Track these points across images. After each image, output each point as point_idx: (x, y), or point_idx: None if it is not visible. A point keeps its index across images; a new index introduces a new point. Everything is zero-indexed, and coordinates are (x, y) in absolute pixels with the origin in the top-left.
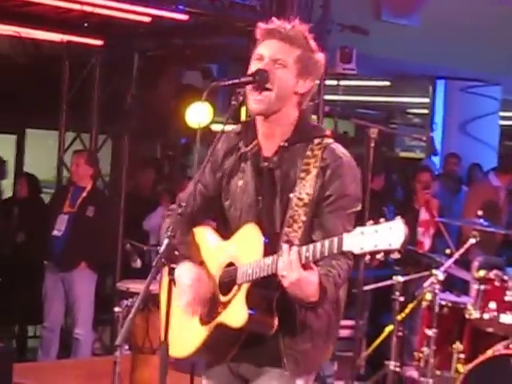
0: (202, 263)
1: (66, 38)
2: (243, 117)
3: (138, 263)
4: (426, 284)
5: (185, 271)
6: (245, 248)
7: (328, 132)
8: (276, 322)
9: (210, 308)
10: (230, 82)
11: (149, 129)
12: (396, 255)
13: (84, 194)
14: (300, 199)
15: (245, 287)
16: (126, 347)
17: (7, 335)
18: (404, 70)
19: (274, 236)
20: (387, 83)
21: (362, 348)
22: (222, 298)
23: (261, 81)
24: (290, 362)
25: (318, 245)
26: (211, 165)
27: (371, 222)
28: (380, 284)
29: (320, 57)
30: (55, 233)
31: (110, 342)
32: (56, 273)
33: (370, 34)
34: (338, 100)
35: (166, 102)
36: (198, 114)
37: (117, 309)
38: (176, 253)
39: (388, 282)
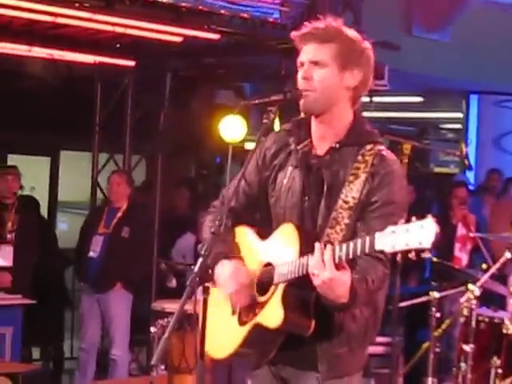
0: (237, 258)
1: (98, 59)
2: None
3: (174, 283)
4: (462, 299)
5: (222, 267)
6: (282, 248)
7: (381, 139)
8: (313, 323)
9: (249, 308)
10: (261, 101)
11: (182, 148)
12: (426, 254)
13: (119, 215)
14: (345, 202)
15: (281, 288)
16: (163, 367)
17: (44, 356)
18: (436, 85)
19: (313, 236)
20: (420, 99)
21: (399, 365)
22: (260, 299)
23: (292, 98)
24: (323, 365)
25: (351, 244)
26: (257, 163)
27: (402, 221)
28: (416, 300)
29: (364, 45)
30: (91, 254)
31: (147, 362)
32: (92, 294)
33: (402, 50)
34: (371, 117)
35: (199, 122)
36: (231, 128)
37: (152, 329)
38: (210, 272)
39: (424, 299)
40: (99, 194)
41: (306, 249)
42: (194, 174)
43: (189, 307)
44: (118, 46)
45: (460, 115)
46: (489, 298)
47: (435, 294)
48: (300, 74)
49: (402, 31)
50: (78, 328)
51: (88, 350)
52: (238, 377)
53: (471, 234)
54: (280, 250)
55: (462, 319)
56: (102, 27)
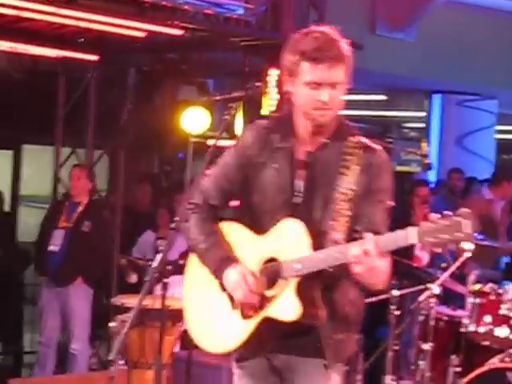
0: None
1: (61, 53)
2: (237, 131)
3: (134, 278)
4: (421, 298)
5: (229, 273)
6: (289, 243)
7: None
8: (324, 313)
9: (256, 303)
10: (222, 97)
11: (145, 144)
12: (469, 245)
13: (80, 209)
14: (343, 194)
15: (294, 281)
16: (122, 362)
17: (4, 351)
18: (400, 84)
19: (318, 231)
20: (383, 97)
21: (359, 362)
22: (265, 293)
23: (254, 95)
24: (329, 351)
25: (386, 236)
26: (238, 161)
27: (439, 215)
28: (376, 298)
29: (351, 56)
30: (51, 248)
31: (107, 357)
32: (52, 288)
33: (366, 49)
34: None
35: (162, 117)
36: (194, 120)
37: (112, 324)
38: (169, 267)
39: (384, 296)
40: (61, 189)
41: (316, 243)
42: (156, 169)
43: (148, 302)
44: (81, 40)
45: (423, 114)
46: (448, 297)
47: (395, 292)
48: (323, 96)
49: (366, 30)
50: (39, 322)
51: (47, 343)
52: (195, 372)
53: None
54: (287, 245)
55: (421, 317)
56: (66, 21)
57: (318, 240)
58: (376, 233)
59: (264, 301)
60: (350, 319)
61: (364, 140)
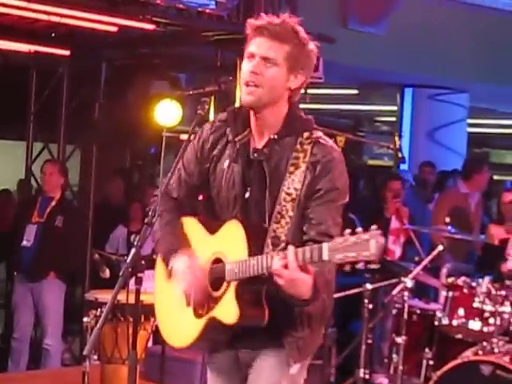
0: (191, 253)
1: (33, 48)
2: None
3: (107, 273)
4: (394, 291)
5: (177, 262)
6: (229, 245)
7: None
8: (267, 313)
9: (203, 302)
10: (195, 91)
11: (117, 139)
12: (375, 265)
13: (53, 204)
14: (288, 194)
15: (233, 285)
16: (95, 357)
17: None
18: (371, 77)
19: (260, 232)
20: (355, 91)
21: (332, 356)
22: (214, 293)
23: (226, 90)
24: (292, 349)
25: (304, 250)
26: (196, 154)
27: (349, 231)
28: (349, 292)
29: (312, 47)
30: (24, 243)
31: (80, 352)
32: (25, 283)
33: (337, 42)
34: (306, 108)
35: (134, 112)
36: (166, 113)
37: (85, 319)
38: (142, 262)
39: (357, 290)
40: (33, 184)
41: (254, 247)
42: (128, 164)
43: (121, 297)
44: (53, 35)
45: (394, 108)
46: (421, 290)
47: (368, 286)
48: (248, 67)
49: (337, 24)
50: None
51: (21, 339)
52: (169, 367)
53: (404, 227)
54: (228, 247)
55: (394, 311)
56: (38, 16)
57: (258, 242)
58: (325, 234)
59: (212, 301)
60: (312, 315)
61: (316, 135)
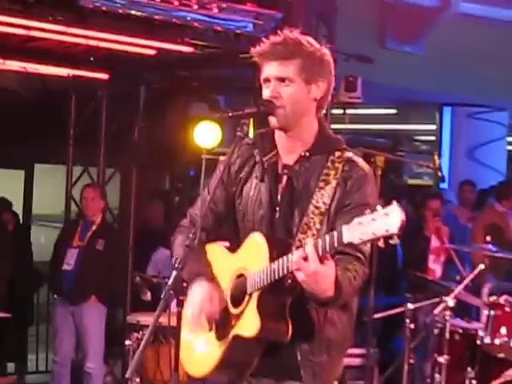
0: (212, 279)
1: (72, 72)
2: None
3: (148, 296)
4: (436, 310)
5: (196, 287)
6: (252, 257)
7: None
8: (290, 328)
9: (224, 322)
10: (235, 114)
11: (157, 161)
12: (395, 240)
13: (94, 228)
14: (317, 207)
15: (255, 296)
16: (138, 380)
17: (18, 370)
18: (410, 97)
19: (284, 243)
20: (393, 111)
21: (375, 376)
22: (235, 311)
23: (265, 111)
24: (307, 373)
25: (324, 238)
26: (222, 179)
27: (368, 210)
28: (390, 312)
29: (323, 54)
30: (65, 267)
31: (122, 375)
32: (66, 307)
33: (376, 62)
34: (345, 129)
35: (173, 134)
36: (206, 135)
37: (127, 342)
38: (184, 285)
39: (399, 310)
40: (73, 207)
41: (276, 254)
42: (168, 186)
43: (163, 320)
44: (91, 59)
45: (433, 127)
46: (463, 310)
47: (409, 306)
48: (267, 93)
49: (375, 44)
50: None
51: (62, 362)
52: None
53: (445, 246)
54: (250, 259)
55: (436, 330)
56: (76, 40)
57: (282, 251)
58: (356, 248)
59: (234, 319)
60: (331, 341)
61: (348, 154)
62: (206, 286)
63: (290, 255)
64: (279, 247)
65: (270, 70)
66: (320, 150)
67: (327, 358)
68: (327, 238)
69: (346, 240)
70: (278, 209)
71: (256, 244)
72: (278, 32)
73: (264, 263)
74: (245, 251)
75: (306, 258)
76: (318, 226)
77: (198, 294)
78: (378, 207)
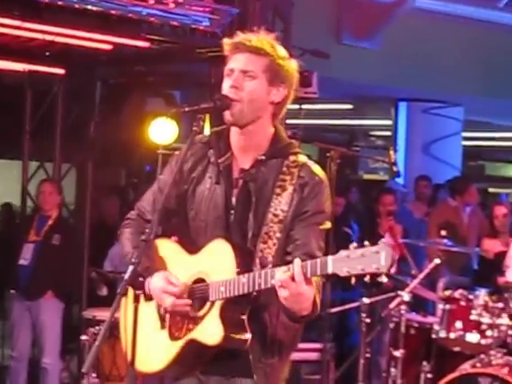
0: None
1: (27, 67)
2: None
3: (104, 291)
4: (392, 305)
5: (154, 281)
6: (215, 264)
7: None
8: (249, 336)
9: (179, 323)
10: (190, 109)
11: (113, 156)
12: (383, 278)
13: (50, 223)
14: (275, 215)
15: (218, 304)
16: (94, 375)
17: None
18: (366, 92)
19: (247, 252)
20: (349, 106)
21: (331, 371)
22: (193, 314)
23: (221, 106)
24: (259, 375)
25: (309, 263)
26: (174, 176)
27: (355, 245)
28: (347, 306)
29: (291, 63)
30: (21, 262)
31: (78, 370)
32: (23, 302)
33: (332, 58)
34: (301, 124)
35: (129, 129)
36: (161, 131)
37: (83, 337)
38: (141, 279)
39: (354, 304)
40: (29, 202)
41: (242, 266)
42: (124, 182)
43: (119, 315)
44: (47, 54)
45: (389, 122)
46: (418, 304)
47: (365, 300)
48: (228, 83)
49: (331, 39)
50: (9, 336)
51: (19, 358)
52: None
53: (398, 243)
54: (215, 266)
55: (391, 325)
56: (32, 35)
57: (246, 261)
58: (310, 256)
59: (191, 322)
60: (283, 343)
61: (302, 159)
62: (160, 276)
63: (262, 272)
64: (245, 258)
65: (237, 61)
66: (275, 155)
67: (278, 359)
68: (312, 265)
69: (330, 271)
70: (232, 212)
71: (221, 251)
72: (255, 29)
73: (230, 274)
74: (207, 256)
75: (293, 278)
76: (277, 234)
77: (160, 284)
78: (366, 243)
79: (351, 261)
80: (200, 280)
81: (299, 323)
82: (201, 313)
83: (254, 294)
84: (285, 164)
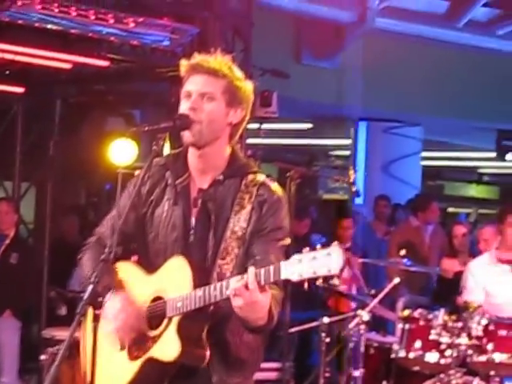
0: (127, 293)
1: None
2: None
3: (63, 310)
4: (351, 325)
5: (112, 301)
6: (172, 281)
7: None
8: (207, 353)
9: (139, 343)
10: (151, 128)
11: (72, 175)
12: (335, 280)
13: (7, 242)
14: (233, 232)
15: (175, 320)
16: None
17: None
18: (325, 112)
19: (205, 269)
20: (309, 125)
21: None
22: (151, 333)
23: (181, 126)
24: None
25: (262, 270)
26: (132, 200)
27: (307, 248)
28: (306, 326)
29: (247, 85)
30: None
31: None
32: None
33: (291, 77)
34: (260, 143)
35: (89, 148)
36: (121, 152)
37: (43, 357)
38: (100, 299)
39: (314, 324)
40: None
41: (199, 281)
42: (83, 201)
43: (79, 334)
44: (7, 72)
45: (349, 142)
46: (378, 324)
47: (325, 319)
48: (187, 105)
49: (291, 59)
50: None
51: None
52: None
53: (357, 274)
54: (171, 283)
55: (351, 344)
56: None
57: (204, 278)
58: None
59: (149, 341)
60: (246, 362)
61: (260, 178)
62: (118, 298)
63: (218, 284)
64: (201, 274)
65: (195, 83)
66: (233, 174)
67: (242, 379)
68: (265, 271)
69: (283, 276)
70: (192, 232)
71: (178, 268)
72: (211, 50)
73: (187, 289)
74: (164, 274)
75: (247, 286)
76: (236, 250)
77: (114, 308)
78: (318, 246)
79: (303, 265)
80: (158, 298)
81: (255, 333)
82: (158, 331)
83: (212, 308)
84: (243, 183)
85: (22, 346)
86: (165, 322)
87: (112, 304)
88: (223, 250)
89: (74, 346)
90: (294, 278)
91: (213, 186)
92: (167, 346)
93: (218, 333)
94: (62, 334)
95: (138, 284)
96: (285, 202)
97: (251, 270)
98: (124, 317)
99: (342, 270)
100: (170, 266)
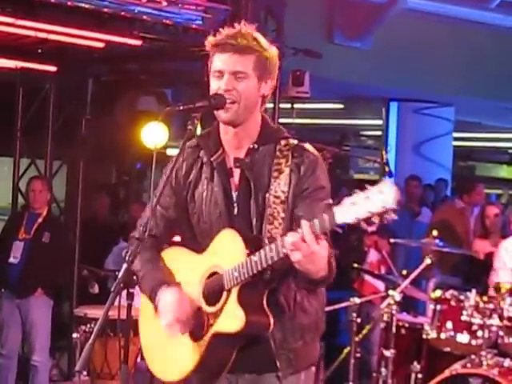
0: (178, 285)
1: (19, 64)
2: None
3: (96, 289)
4: (382, 305)
5: (165, 294)
6: (225, 254)
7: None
8: (271, 320)
9: (199, 323)
10: (186, 107)
11: (104, 154)
12: (392, 215)
13: (40, 220)
14: (277, 197)
15: (235, 291)
16: (85, 373)
17: None
18: (357, 92)
19: (255, 237)
20: (341, 106)
21: (320, 370)
22: (211, 309)
23: (217, 105)
24: (282, 361)
25: (316, 220)
26: (171, 185)
27: (357, 190)
28: (337, 306)
29: (273, 51)
30: (11, 260)
31: (68, 368)
32: (12, 300)
33: (323, 57)
34: (292, 123)
35: (121, 128)
36: (154, 135)
37: (75, 335)
38: (134, 278)
39: (344, 304)
40: (20, 200)
41: (252, 248)
42: (114, 180)
43: (112, 313)
44: (40, 51)
45: (380, 122)
46: (409, 304)
47: (356, 300)
48: (220, 85)
49: (323, 39)
50: None
51: (9, 355)
52: (158, 381)
53: (385, 256)
54: (225, 256)
55: (382, 324)
56: (25, 32)
57: (256, 244)
58: None
59: (211, 318)
60: (305, 327)
61: (294, 141)
62: (173, 292)
63: (278, 242)
64: (252, 241)
65: (224, 62)
66: (267, 141)
67: (302, 343)
68: (319, 221)
69: (339, 221)
70: (235, 205)
71: (229, 240)
72: (234, 25)
73: (241, 258)
74: (216, 249)
75: (303, 239)
76: (282, 214)
77: (166, 302)
78: (369, 187)
79: (357, 206)
80: (214, 274)
81: (318, 286)
82: (219, 305)
83: (269, 274)
84: (277, 148)
85: (53, 325)
86: (224, 294)
87: (166, 298)
88: (269, 215)
89: (108, 325)
90: (351, 220)
91: (248, 155)
92: (231, 318)
93: (274, 300)
94: (94, 312)
95: (189, 266)
96: (321, 161)
97: (304, 222)
98: (177, 308)
99: (398, 203)
100: (220, 239)
